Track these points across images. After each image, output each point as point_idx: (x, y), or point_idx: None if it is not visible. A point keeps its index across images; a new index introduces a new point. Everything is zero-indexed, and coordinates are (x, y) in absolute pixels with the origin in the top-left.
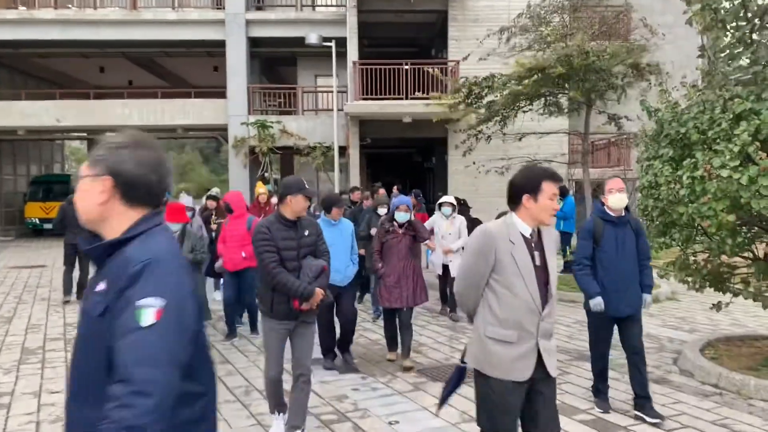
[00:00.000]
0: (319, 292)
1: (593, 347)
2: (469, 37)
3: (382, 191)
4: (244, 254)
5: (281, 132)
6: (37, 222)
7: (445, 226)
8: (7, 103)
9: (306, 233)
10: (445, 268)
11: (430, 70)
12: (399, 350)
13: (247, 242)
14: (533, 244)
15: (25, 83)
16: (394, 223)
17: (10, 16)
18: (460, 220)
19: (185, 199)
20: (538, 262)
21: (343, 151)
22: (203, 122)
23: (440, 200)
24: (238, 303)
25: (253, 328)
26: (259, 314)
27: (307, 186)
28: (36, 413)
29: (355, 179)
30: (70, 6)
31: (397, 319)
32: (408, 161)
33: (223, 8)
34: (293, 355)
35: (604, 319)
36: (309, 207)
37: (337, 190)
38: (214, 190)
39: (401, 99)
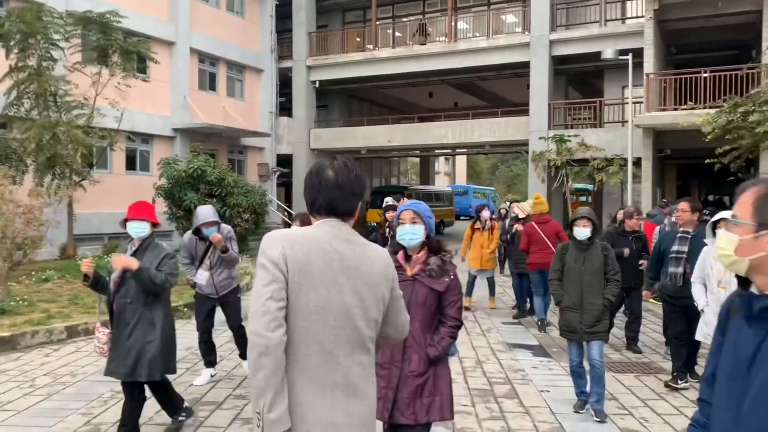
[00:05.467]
0: None
1: None
2: None
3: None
4: None
5: (579, 145)
6: (375, 225)
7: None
8: (353, 128)
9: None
10: None
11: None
12: None
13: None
14: None
15: (370, 110)
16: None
17: (358, 58)
18: None
19: (206, 212)
20: None
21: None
22: (507, 138)
23: (714, 217)
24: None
25: None
26: None
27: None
28: None
29: (646, 192)
30: (409, 43)
31: None
32: (726, 172)
33: (529, 32)
34: None
35: None
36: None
37: (630, 204)
38: (389, 200)
39: (697, 108)
